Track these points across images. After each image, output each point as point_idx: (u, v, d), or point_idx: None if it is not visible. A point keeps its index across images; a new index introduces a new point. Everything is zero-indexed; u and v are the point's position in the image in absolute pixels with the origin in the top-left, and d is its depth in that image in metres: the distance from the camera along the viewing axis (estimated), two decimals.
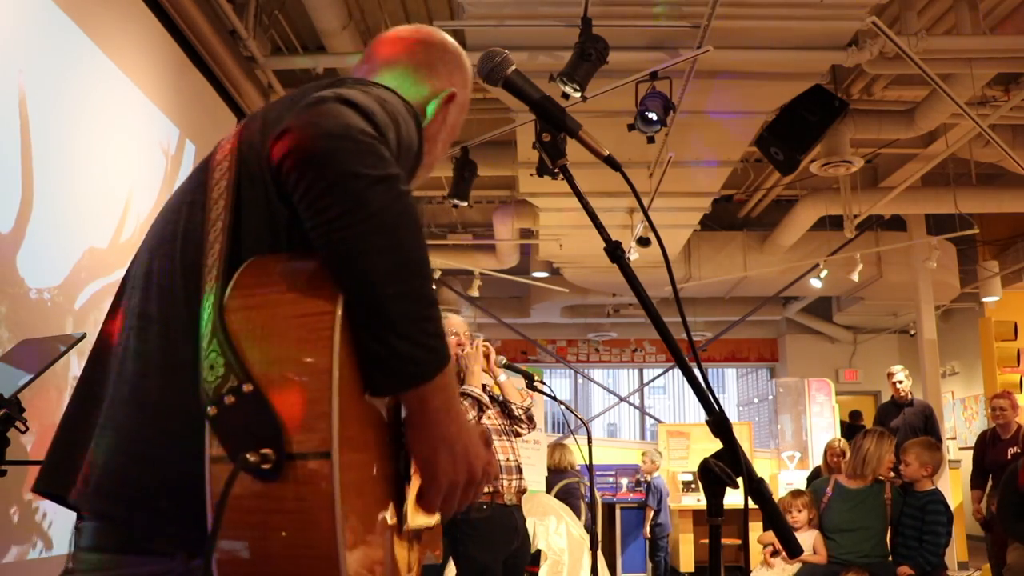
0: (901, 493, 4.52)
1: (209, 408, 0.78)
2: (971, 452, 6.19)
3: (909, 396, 6.78)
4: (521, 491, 3.41)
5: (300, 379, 0.77)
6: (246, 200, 0.98)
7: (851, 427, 9.14)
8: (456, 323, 3.40)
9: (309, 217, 0.86)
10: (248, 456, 0.74)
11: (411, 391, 0.91)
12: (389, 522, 0.95)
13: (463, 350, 3.26)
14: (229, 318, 0.81)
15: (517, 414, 3.42)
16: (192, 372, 0.86)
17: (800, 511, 4.53)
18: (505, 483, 3.31)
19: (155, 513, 0.88)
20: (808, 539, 4.48)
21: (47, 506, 3.17)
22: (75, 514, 0.99)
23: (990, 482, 5.86)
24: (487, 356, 3.33)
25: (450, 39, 1.33)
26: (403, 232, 0.86)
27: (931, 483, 4.47)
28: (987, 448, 5.93)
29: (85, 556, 0.94)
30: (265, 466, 0.75)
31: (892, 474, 4.66)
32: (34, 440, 2.98)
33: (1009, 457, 5.60)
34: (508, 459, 3.35)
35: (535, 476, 6.93)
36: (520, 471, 3.40)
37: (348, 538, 0.76)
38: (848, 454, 6.45)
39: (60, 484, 0.96)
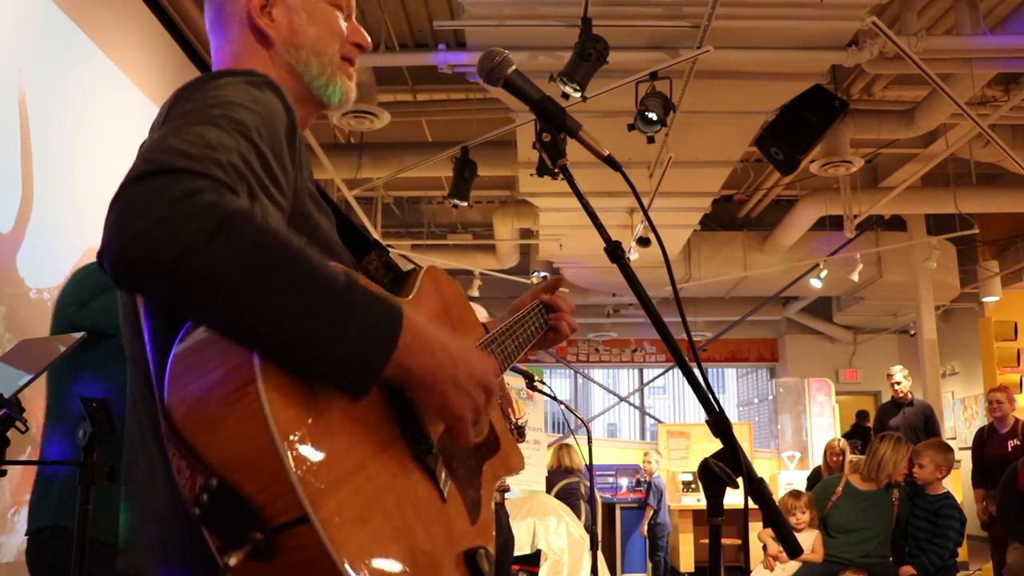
0: (908, 495, 4.51)
1: (194, 511, 0.79)
2: (971, 451, 6.19)
3: (909, 396, 6.78)
4: (504, 489, 3.44)
5: (253, 456, 0.78)
6: None
7: (858, 427, 9.16)
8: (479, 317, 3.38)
9: (179, 312, 0.85)
10: (231, 559, 0.76)
11: (386, 372, 0.88)
12: (426, 510, 0.94)
13: None
14: (175, 419, 0.81)
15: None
16: None
17: (803, 512, 4.53)
18: None
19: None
20: (808, 539, 4.47)
21: None
22: None
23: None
24: None
25: None
26: (262, 264, 0.80)
27: (942, 486, 4.46)
28: (985, 443, 5.93)
29: None
30: (260, 547, 0.77)
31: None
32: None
33: (1010, 449, 5.59)
34: None
35: (535, 476, 6.93)
36: None
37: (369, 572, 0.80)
38: (847, 454, 6.47)
39: (142, 567, 1.01)
